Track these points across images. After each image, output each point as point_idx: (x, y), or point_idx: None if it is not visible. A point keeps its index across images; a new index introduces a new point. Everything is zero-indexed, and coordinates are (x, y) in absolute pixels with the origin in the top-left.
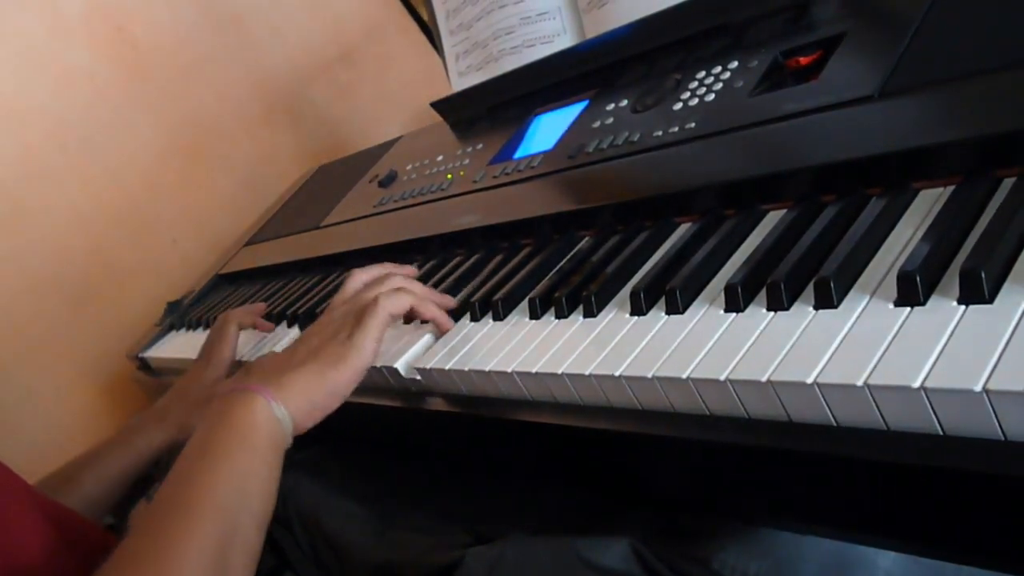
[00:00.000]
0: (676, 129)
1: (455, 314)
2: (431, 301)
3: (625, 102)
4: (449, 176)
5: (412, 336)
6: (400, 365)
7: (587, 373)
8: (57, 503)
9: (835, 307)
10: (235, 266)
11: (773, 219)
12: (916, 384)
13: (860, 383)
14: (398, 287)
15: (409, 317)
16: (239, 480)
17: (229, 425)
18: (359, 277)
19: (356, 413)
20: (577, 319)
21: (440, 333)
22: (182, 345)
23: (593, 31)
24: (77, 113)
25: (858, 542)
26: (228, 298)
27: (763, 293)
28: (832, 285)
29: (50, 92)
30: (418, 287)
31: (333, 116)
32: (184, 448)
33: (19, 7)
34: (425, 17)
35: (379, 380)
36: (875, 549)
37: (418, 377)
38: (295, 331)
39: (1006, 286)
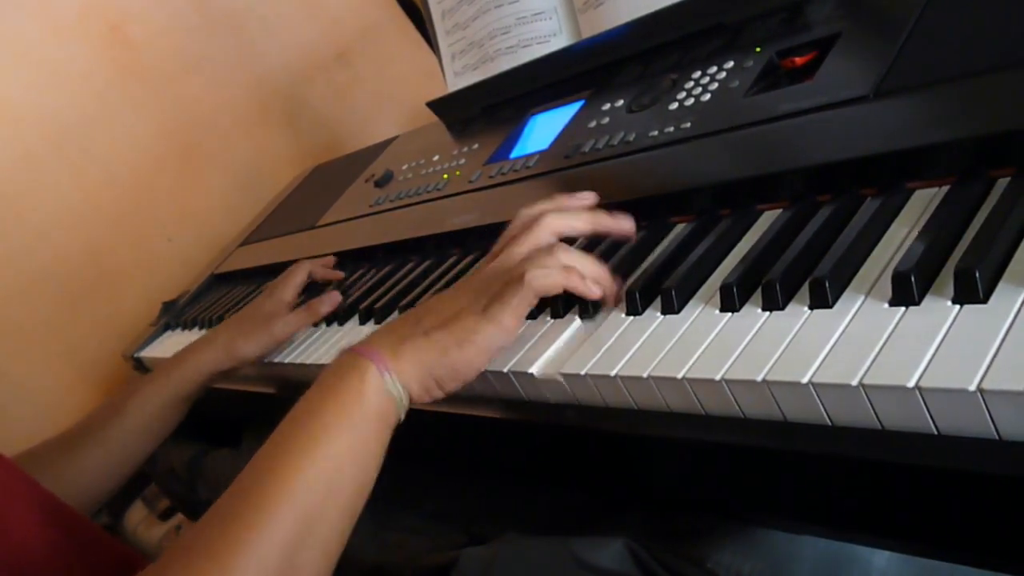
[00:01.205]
0: (672, 129)
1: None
2: (593, 281)
3: (621, 102)
4: (445, 176)
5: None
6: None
7: (583, 373)
8: (58, 500)
9: (830, 307)
10: (230, 266)
11: (768, 219)
12: (911, 384)
13: (855, 383)
14: (557, 262)
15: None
16: (333, 464)
17: (334, 395)
18: (552, 226)
19: None
20: (573, 319)
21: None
22: (177, 345)
23: (589, 31)
24: (72, 113)
25: (853, 541)
26: (223, 298)
27: (758, 293)
28: (827, 285)
29: (45, 92)
30: (587, 263)
31: (329, 116)
32: (293, 408)
33: (14, 7)
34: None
35: None
36: (870, 548)
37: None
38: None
39: (1000, 286)
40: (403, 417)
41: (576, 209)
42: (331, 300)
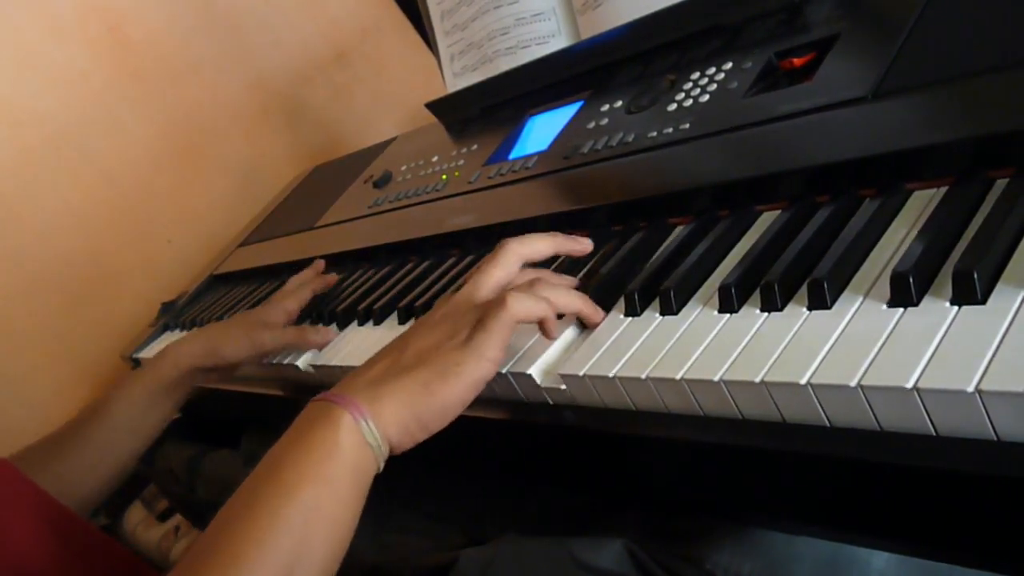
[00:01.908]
0: (670, 130)
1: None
2: (577, 297)
3: (620, 103)
4: (444, 177)
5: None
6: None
7: (581, 374)
8: (57, 503)
9: (828, 308)
10: (230, 267)
11: (767, 220)
12: (909, 384)
13: (853, 384)
14: (538, 285)
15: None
16: (304, 522)
17: (305, 448)
18: (517, 252)
19: None
20: (572, 320)
21: (589, 326)
22: None
23: (588, 32)
24: (71, 114)
25: (851, 542)
26: (222, 299)
27: (757, 294)
28: (826, 286)
29: (44, 93)
30: (561, 294)
31: (328, 117)
32: (265, 456)
33: (13, 8)
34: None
35: None
36: (868, 549)
37: (563, 386)
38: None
39: (999, 287)
40: (383, 466)
41: (538, 237)
42: (324, 336)
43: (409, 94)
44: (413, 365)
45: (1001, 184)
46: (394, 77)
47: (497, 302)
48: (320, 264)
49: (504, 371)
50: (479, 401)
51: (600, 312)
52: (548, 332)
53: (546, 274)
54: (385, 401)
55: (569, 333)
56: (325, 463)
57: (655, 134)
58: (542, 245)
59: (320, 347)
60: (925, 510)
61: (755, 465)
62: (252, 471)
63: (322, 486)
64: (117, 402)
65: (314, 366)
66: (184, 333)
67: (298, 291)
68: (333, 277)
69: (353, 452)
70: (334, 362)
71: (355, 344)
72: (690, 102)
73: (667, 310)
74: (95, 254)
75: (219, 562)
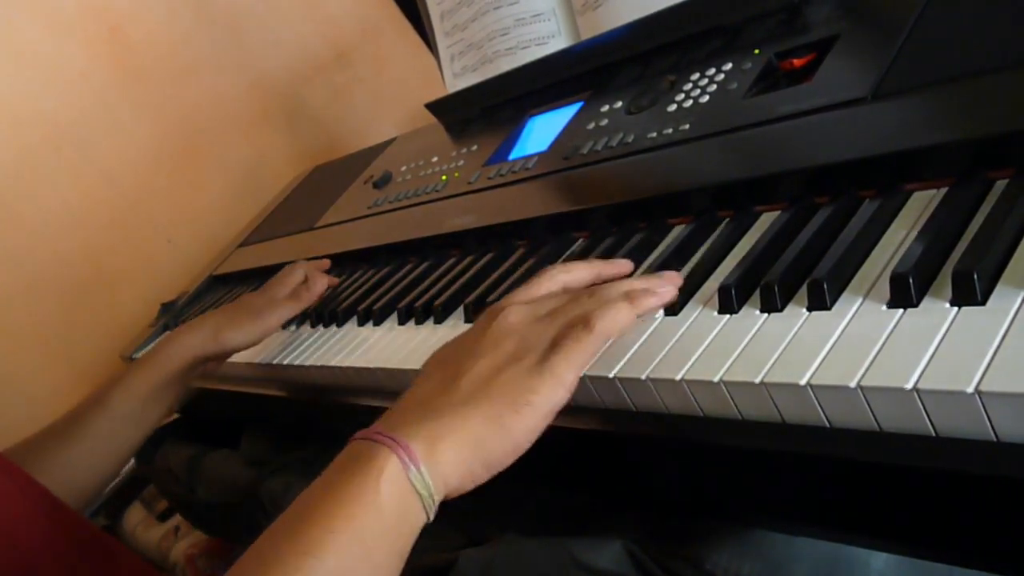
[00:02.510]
0: (670, 131)
1: (448, 314)
2: (651, 294)
3: (620, 103)
4: (444, 177)
5: None
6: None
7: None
8: (54, 497)
9: (828, 309)
10: (229, 267)
11: (767, 221)
12: (909, 385)
13: (853, 384)
14: (611, 299)
15: None
16: (340, 557)
17: (336, 495)
18: (557, 278)
19: (349, 415)
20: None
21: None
22: None
23: (588, 33)
24: (71, 114)
25: (851, 543)
26: (222, 299)
27: (757, 294)
28: (825, 287)
29: (44, 93)
30: (636, 285)
31: (328, 117)
32: (288, 508)
33: (13, 8)
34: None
35: (371, 381)
36: (868, 550)
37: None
38: (294, 328)
39: (998, 288)
40: (432, 517)
41: (578, 264)
42: (319, 286)
43: (409, 94)
44: (476, 395)
45: (1001, 185)
46: (394, 77)
47: (578, 319)
48: (326, 263)
49: None
50: None
51: (672, 288)
52: (660, 304)
53: (599, 287)
54: (447, 443)
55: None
56: (359, 518)
57: (655, 135)
58: (583, 273)
59: (319, 296)
60: (925, 511)
61: (755, 466)
62: (281, 516)
63: (354, 546)
64: (119, 393)
65: (315, 367)
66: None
67: (289, 275)
68: (333, 279)
69: (395, 504)
70: (333, 363)
71: (355, 344)
72: (690, 103)
73: (667, 311)
74: (95, 254)
75: None
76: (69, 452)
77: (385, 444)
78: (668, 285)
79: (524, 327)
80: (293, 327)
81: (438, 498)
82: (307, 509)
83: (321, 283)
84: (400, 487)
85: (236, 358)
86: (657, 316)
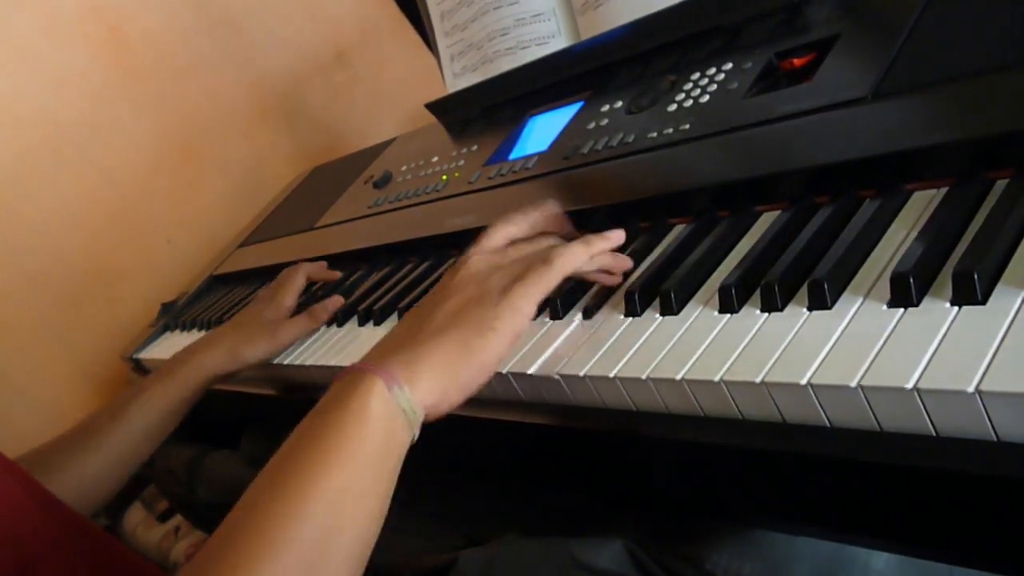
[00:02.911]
0: (671, 130)
1: None
2: (603, 238)
3: (620, 103)
4: (444, 177)
5: None
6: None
7: (582, 374)
8: (57, 500)
9: (829, 308)
10: (229, 267)
11: (767, 220)
12: (909, 385)
13: (854, 384)
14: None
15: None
16: (334, 500)
17: (331, 419)
18: (504, 230)
19: None
20: (572, 320)
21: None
22: (176, 346)
23: (588, 32)
24: (71, 114)
25: (851, 543)
26: (222, 299)
27: (757, 294)
28: (826, 286)
29: (44, 93)
30: (598, 246)
31: (328, 117)
32: (294, 432)
33: (13, 8)
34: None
35: None
36: (868, 550)
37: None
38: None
39: (999, 287)
40: (417, 435)
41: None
42: (333, 304)
43: (409, 94)
44: (446, 326)
45: (1001, 185)
46: (394, 77)
47: (542, 258)
48: (323, 264)
49: (504, 371)
50: (479, 401)
51: (620, 233)
52: (607, 280)
53: (560, 241)
54: (422, 364)
55: (574, 326)
56: (354, 437)
57: (655, 134)
58: (524, 223)
59: (331, 316)
60: (925, 511)
61: (755, 465)
62: (281, 446)
63: (350, 462)
64: (138, 408)
65: (315, 367)
66: (184, 334)
67: (292, 280)
68: (336, 273)
69: (385, 422)
70: (333, 363)
71: (356, 344)
72: (690, 102)
73: (667, 310)
74: (95, 254)
75: (243, 544)
76: (82, 465)
77: (370, 371)
78: (616, 231)
79: (486, 271)
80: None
81: (420, 416)
82: (305, 436)
83: (335, 302)
84: (388, 405)
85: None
86: (657, 317)
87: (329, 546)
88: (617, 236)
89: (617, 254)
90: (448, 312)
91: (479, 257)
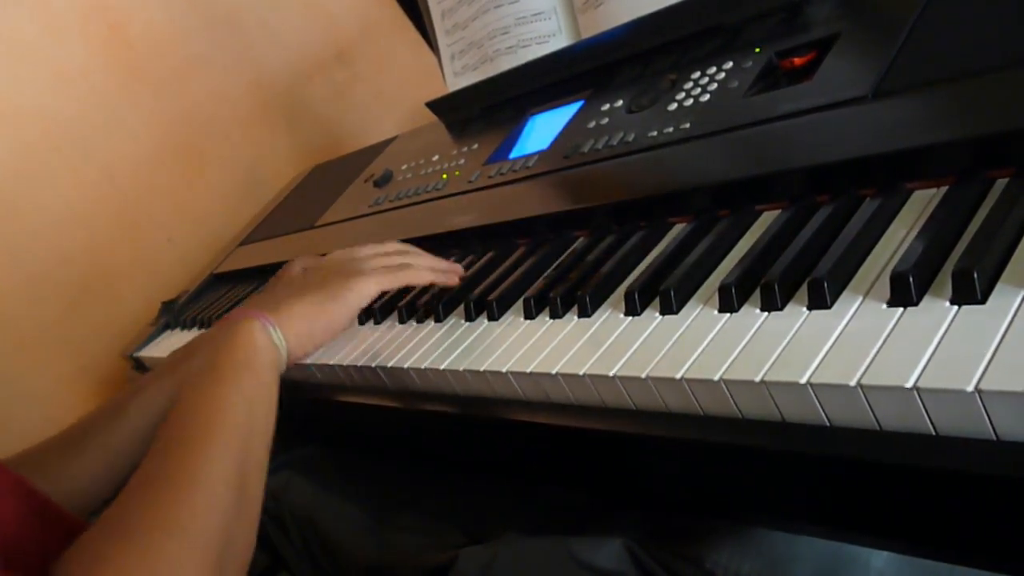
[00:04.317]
0: (671, 129)
1: (448, 312)
2: (432, 272)
3: (620, 102)
4: (444, 176)
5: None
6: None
7: (581, 373)
8: (47, 498)
9: (828, 307)
10: (230, 265)
11: (767, 220)
12: (909, 384)
13: (853, 383)
14: (403, 263)
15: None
16: (246, 402)
17: (231, 350)
18: (370, 246)
19: (350, 413)
20: (572, 319)
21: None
22: (176, 344)
23: (588, 31)
24: (71, 112)
25: (851, 542)
26: (223, 298)
27: (757, 293)
28: (826, 285)
29: (44, 91)
30: (424, 259)
31: (329, 116)
32: (187, 376)
33: (14, 6)
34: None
35: (373, 380)
36: (868, 549)
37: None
38: None
39: (999, 287)
40: (285, 367)
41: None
42: None
43: (409, 93)
44: (308, 287)
45: (1001, 184)
46: (394, 76)
47: (397, 265)
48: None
49: (503, 370)
50: (478, 401)
51: (455, 275)
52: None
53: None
54: (287, 314)
55: (573, 326)
56: (252, 359)
57: (655, 133)
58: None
59: None
60: (925, 510)
61: (755, 465)
62: (185, 381)
63: (253, 375)
64: (136, 407)
65: (315, 366)
66: (184, 332)
67: (292, 267)
68: None
69: (267, 349)
70: (333, 361)
71: (355, 343)
72: (691, 101)
73: (667, 309)
74: (95, 252)
75: (188, 447)
76: (82, 464)
77: (248, 316)
78: (454, 275)
79: (343, 260)
80: None
81: (285, 355)
82: (212, 362)
83: None
84: (268, 339)
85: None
86: (657, 316)
87: (253, 434)
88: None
89: (449, 271)
90: (312, 280)
91: (340, 251)
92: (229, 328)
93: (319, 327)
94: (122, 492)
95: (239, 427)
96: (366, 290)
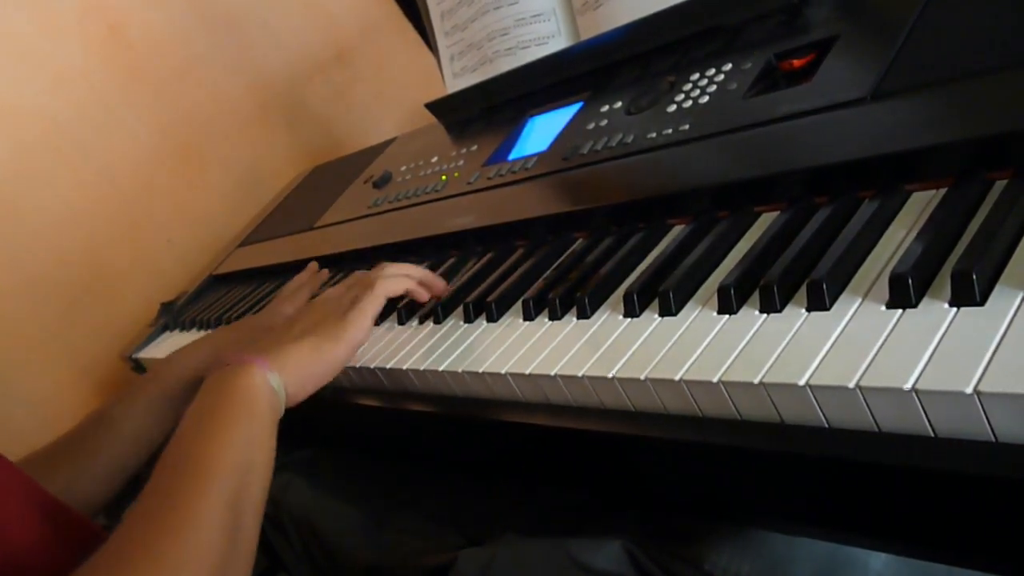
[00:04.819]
0: (670, 131)
1: (447, 314)
2: (424, 284)
3: (619, 104)
4: (444, 177)
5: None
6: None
7: (580, 375)
8: (53, 497)
9: (827, 309)
10: (229, 267)
11: (766, 221)
12: (908, 386)
13: (852, 385)
14: (394, 273)
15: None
16: (244, 444)
17: (230, 394)
18: (360, 272)
19: (349, 415)
20: (571, 320)
21: (434, 297)
22: (175, 346)
23: (588, 33)
24: (71, 113)
25: (850, 543)
26: (222, 299)
27: (756, 295)
28: (824, 287)
29: (44, 92)
30: (415, 271)
31: (328, 117)
32: (184, 418)
33: (12, 6)
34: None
35: (372, 381)
36: (867, 550)
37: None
38: None
39: (997, 288)
40: (283, 412)
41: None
42: None
43: (409, 94)
44: (303, 334)
45: (1000, 185)
46: (394, 77)
47: (367, 284)
48: (314, 266)
49: (503, 371)
50: (477, 403)
51: (440, 284)
52: (419, 297)
53: (389, 265)
54: (284, 359)
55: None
56: (250, 403)
57: (654, 135)
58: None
59: None
60: (923, 511)
61: (754, 466)
62: (181, 423)
63: (251, 419)
64: (122, 413)
65: None
66: (183, 333)
67: (295, 294)
68: (324, 272)
69: (267, 395)
70: None
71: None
72: (689, 103)
73: (666, 311)
74: (95, 254)
75: (182, 488)
76: (78, 470)
77: (247, 362)
78: (439, 282)
79: (329, 299)
80: None
81: (284, 397)
82: (211, 408)
83: None
84: (264, 385)
85: None
86: (655, 318)
87: (250, 475)
88: (439, 287)
89: (433, 275)
90: (306, 325)
91: (327, 291)
92: (228, 372)
93: (319, 370)
94: (117, 529)
95: (235, 469)
96: (363, 323)
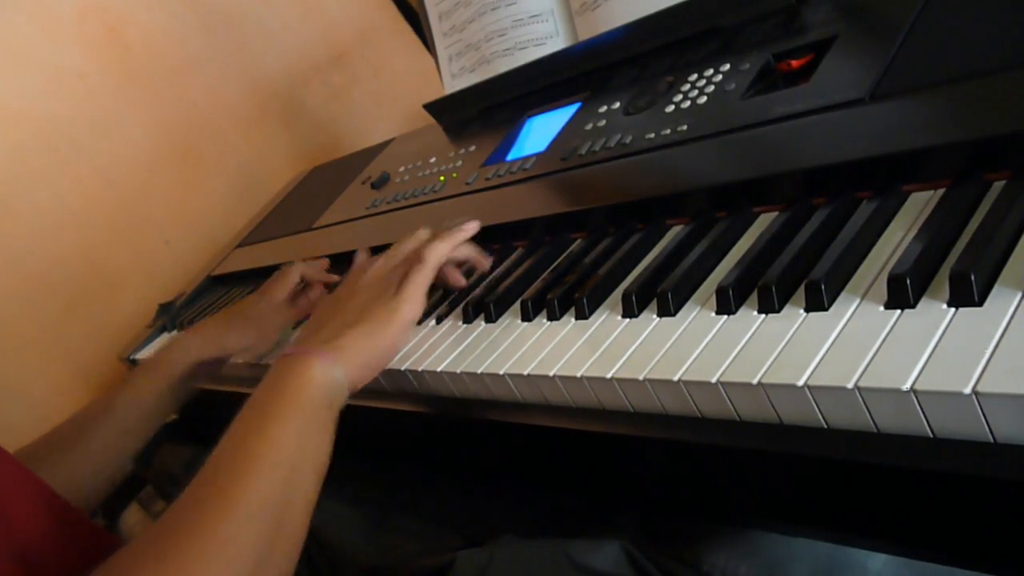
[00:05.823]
0: (668, 131)
1: (445, 315)
2: (459, 230)
3: (617, 104)
4: (442, 178)
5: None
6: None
7: (579, 375)
8: (59, 496)
9: (826, 309)
10: (227, 268)
11: (764, 222)
12: (906, 386)
13: (850, 385)
14: (439, 244)
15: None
16: (296, 438)
17: (285, 388)
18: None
19: (347, 415)
20: (569, 321)
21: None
22: None
23: (586, 33)
24: (68, 114)
25: (849, 544)
26: (220, 300)
27: (754, 295)
28: (823, 288)
29: (41, 93)
30: (458, 235)
31: (326, 118)
32: (240, 411)
33: (11, 7)
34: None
35: (371, 382)
36: (865, 551)
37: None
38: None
39: (996, 289)
40: (346, 400)
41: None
42: (316, 295)
43: (407, 95)
44: (357, 320)
45: (998, 186)
46: (392, 78)
47: (413, 255)
48: (325, 262)
49: (501, 372)
50: (476, 404)
51: (475, 224)
52: (481, 265)
53: (428, 230)
54: (345, 350)
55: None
56: (304, 398)
57: (653, 135)
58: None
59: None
60: (922, 512)
61: (752, 466)
62: (234, 419)
63: (305, 413)
64: (123, 400)
65: None
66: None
67: (286, 276)
68: (333, 277)
69: (326, 388)
70: None
71: None
72: (688, 104)
73: (664, 312)
74: (92, 254)
75: (229, 478)
76: (77, 459)
77: (304, 353)
78: (471, 222)
79: (378, 276)
80: (291, 328)
81: (347, 386)
82: (262, 403)
83: (317, 290)
84: (325, 376)
85: (236, 359)
86: (654, 318)
87: (300, 471)
88: (472, 226)
89: (479, 248)
90: (358, 308)
91: (372, 269)
92: (284, 365)
93: (378, 355)
94: (163, 515)
95: (283, 464)
96: (417, 298)
